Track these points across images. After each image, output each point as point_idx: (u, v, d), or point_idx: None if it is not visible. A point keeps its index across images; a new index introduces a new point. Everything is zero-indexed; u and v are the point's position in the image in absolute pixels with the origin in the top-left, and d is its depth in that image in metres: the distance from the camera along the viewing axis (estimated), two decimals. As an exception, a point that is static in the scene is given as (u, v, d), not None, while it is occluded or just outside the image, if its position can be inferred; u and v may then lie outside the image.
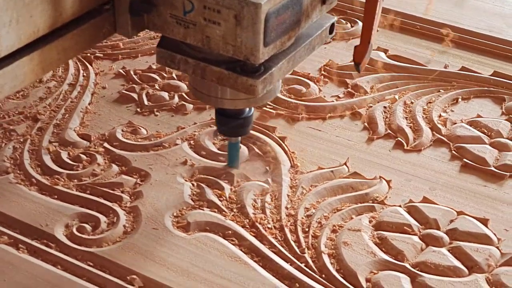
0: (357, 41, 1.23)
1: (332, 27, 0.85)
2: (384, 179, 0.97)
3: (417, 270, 0.84)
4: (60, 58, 0.71)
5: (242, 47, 0.70)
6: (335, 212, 0.92)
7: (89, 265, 0.83)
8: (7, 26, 0.64)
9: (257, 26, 0.69)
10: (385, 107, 1.11)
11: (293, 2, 0.73)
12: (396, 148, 1.03)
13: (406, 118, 1.08)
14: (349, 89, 1.14)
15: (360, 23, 1.30)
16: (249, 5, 0.68)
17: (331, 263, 0.85)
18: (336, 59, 1.22)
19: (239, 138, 0.93)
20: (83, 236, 0.87)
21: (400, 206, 0.93)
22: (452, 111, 1.10)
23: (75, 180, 0.95)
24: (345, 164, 0.99)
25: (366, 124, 1.07)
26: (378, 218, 0.91)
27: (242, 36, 0.70)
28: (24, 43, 0.66)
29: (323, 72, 1.18)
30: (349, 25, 1.31)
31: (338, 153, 1.02)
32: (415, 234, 0.89)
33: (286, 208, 0.92)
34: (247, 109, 0.88)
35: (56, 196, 0.92)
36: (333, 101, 1.12)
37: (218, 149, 1.01)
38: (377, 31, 0.84)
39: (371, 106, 1.11)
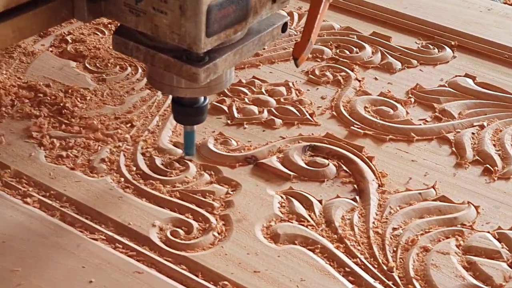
0: (444, 67, 1.25)
1: (285, 26, 0.88)
2: (473, 204, 0.97)
3: (506, 296, 0.85)
4: (15, 36, 0.75)
5: (186, 36, 0.75)
6: (423, 234, 0.92)
7: (182, 268, 0.86)
8: None
9: (199, 17, 0.73)
10: (473, 133, 1.11)
11: None
12: (484, 175, 1.04)
13: (494, 145, 1.09)
14: (436, 113, 1.15)
15: (448, 49, 1.31)
16: None
17: (420, 284, 0.86)
18: (424, 83, 1.23)
19: (194, 126, 0.97)
20: (177, 240, 0.89)
21: (488, 232, 0.93)
22: (540, 140, 1.11)
23: (168, 186, 0.98)
24: (433, 187, 1.00)
25: (453, 149, 1.08)
26: (466, 242, 0.91)
27: (186, 26, 0.74)
28: None
29: (410, 95, 1.19)
30: (436, 50, 1.32)
31: (425, 176, 1.03)
32: (505, 261, 0.89)
33: (374, 226, 0.93)
34: (202, 98, 0.92)
35: (151, 200, 0.95)
36: (420, 124, 1.13)
37: (306, 164, 1.03)
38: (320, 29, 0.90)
39: (459, 132, 1.11)
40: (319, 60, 1.27)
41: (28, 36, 0.78)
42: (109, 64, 1.22)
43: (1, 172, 0.97)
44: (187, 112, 0.93)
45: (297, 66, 0.92)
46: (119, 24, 0.83)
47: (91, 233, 0.89)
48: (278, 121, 1.12)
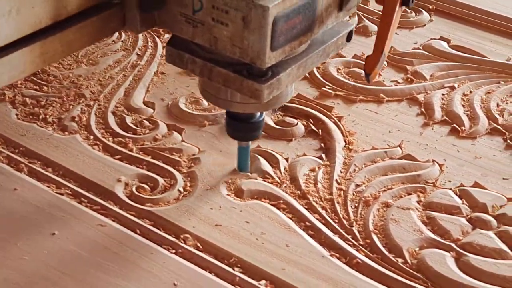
0: (420, 30, 1.26)
1: (350, 35, 0.82)
2: (437, 162, 0.98)
3: (463, 250, 0.86)
4: (64, 50, 0.70)
5: (248, 50, 0.69)
6: (385, 190, 0.94)
7: (145, 222, 0.87)
8: (6, 16, 0.63)
9: (264, 30, 0.67)
10: (443, 94, 1.12)
11: (306, 7, 0.70)
12: (451, 134, 1.05)
13: (463, 106, 1.09)
14: (408, 75, 1.16)
15: (425, 13, 1.31)
16: (257, 7, 0.66)
17: (378, 237, 0.87)
18: (398, 46, 1.23)
19: (249, 142, 0.92)
20: (142, 195, 0.91)
21: (450, 189, 0.94)
22: (511, 102, 1.11)
23: (137, 144, 0.99)
24: (399, 146, 1.01)
25: (422, 109, 1.09)
26: (427, 198, 0.93)
27: (249, 39, 0.68)
28: (24, 34, 0.65)
29: (384, 57, 1.20)
30: (413, 14, 1.33)
31: (393, 136, 1.04)
32: (464, 216, 0.90)
33: (338, 183, 0.94)
34: (258, 113, 0.86)
35: (118, 157, 0.96)
36: (391, 86, 1.14)
37: (275, 123, 1.04)
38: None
39: (429, 93, 1.12)
40: (295, 23, 1.28)
41: (76, 50, 0.73)
42: (86, 26, 1.23)
43: (-28, 130, 0.99)
44: (243, 127, 0.87)
45: (368, 81, 0.84)
46: (172, 35, 0.77)
47: (57, 187, 0.91)
48: (251, 82, 1.12)
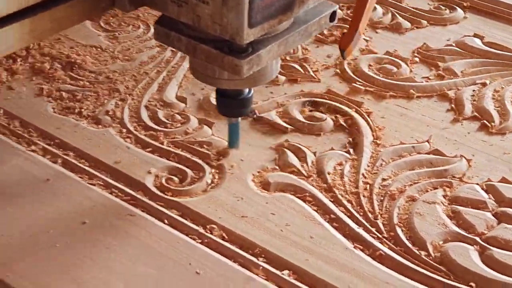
0: (454, 28, 1.26)
1: (333, 15, 0.84)
2: (465, 157, 0.99)
3: (487, 244, 0.86)
4: (53, 27, 0.73)
5: (228, 27, 0.72)
6: (411, 185, 0.94)
7: (173, 212, 0.89)
8: None
9: (241, 7, 0.70)
10: (474, 90, 1.12)
11: None
12: (480, 130, 1.05)
13: (494, 102, 1.09)
14: (440, 72, 1.16)
15: (459, 10, 1.31)
16: None
17: (402, 231, 0.88)
18: (431, 43, 1.23)
19: (239, 118, 0.94)
20: (170, 186, 0.93)
21: (477, 184, 0.94)
22: (543, 99, 1.11)
23: (168, 137, 1.01)
24: (427, 141, 1.02)
25: (453, 105, 1.09)
26: (454, 193, 0.93)
27: (228, 16, 0.71)
28: (13, 10, 0.68)
29: (416, 54, 1.21)
30: (447, 11, 1.32)
31: (422, 131, 1.04)
32: (490, 211, 0.90)
33: (364, 177, 0.95)
34: (246, 90, 0.89)
35: (150, 149, 0.99)
36: (422, 82, 1.14)
37: (304, 118, 1.05)
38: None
39: (460, 89, 1.12)
40: (328, 20, 1.29)
41: (67, 27, 0.76)
42: (123, 23, 1.26)
43: (10, 122, 1.02)
44: (231, 104, 0.90)
45: (343, 58, 0.88)
46: (161, 14, 0.81)
47: (90, 178, 0.94)
48: (282, 78, 1.14)
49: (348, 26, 0.87)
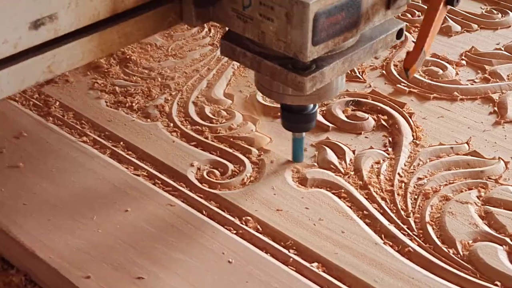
0: (505, 32, 1.26)
1: (400, 32, 0.84)
2: (503, 160, 0.99)
3: (517, 245, 0.87)
4: (121, 41, 0.75)
5: (291, 45, 0.72)
6: (446, 185, 0.96)
7: (211, 204, 0.93)
8: (66, 8, 0.69)
9: (305, 25, 0.70)
10: (518, 94, 1.12)
11: (349, 5, 0.73)
12: (522, 134, 1.05)
13: (539, 106, 1.10)
14: (485, 75, 1.17)
15: (511, 14, 1.31)
16: (298, 4, 0.70)
17: (433, 229, 0.89)
18: (480, 46, 1.24)
19: (303, 133, 0.96)
20: (211, 179, 0.97)
21: (513, 186, 0.95)
22: None
23: (213, 132, 1.05)
24: (466, 143, 1.03)
25: (495, 108, 1.10)
26: (488, 194, 0.94)
27: (292, 34, 0.72)
28: (83, 25, 0.71)
29: (463, 57, 1.21)
30: (499, 15, 1.33)
31: (462, 133, 1.05)
32: (522, 213, 0.91)
33: (400, 175, 0.97)
34: (311, 105, 0.90)
35: (194, 143, 1.03)
36: (467, 85, 1.15)
37: (347, 117, 1.08)
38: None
39: (504, 93, 1.13)
40: (378, 22, 1.31)
41: (133, 42, 0.78)
42: (178, 23, 1.31)
43: (64, 114, 1.08)
44: (296, 119, 0.92)
45: (407, 77, 0.86)
46: (227, 29, 0.82)
47: (135, 169, 0.98)
48: (328, 78, 1.16)
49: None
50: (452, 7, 0.85)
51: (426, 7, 0.85)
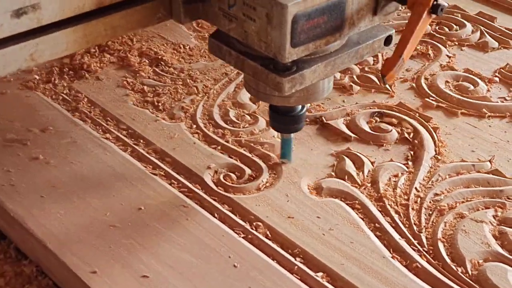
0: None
1: (388, 39, 0.84)
2: (524, 180, 0.98)
3: (528, 268, 0.85)
4: (107, 34, 0.76)
5: (271, 45, 0.73)
6: (463, 202, 0.94)
7: (224, 207, 0.93)
8: None
9: (284, 27, 0.71)
10: (549, 115, 1.10)
11: (331, 8, 0.73)
12: (548, 155, 1.03)
13: None
14: (517, 93, 1.15)
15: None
16: (277, 5, 0.70)
17: (444, 246, 0.88)
18: (516, 63, 1.22)
19: (292, 134, 0.96)
20: (227, 183, 0.97)
21: (532, 207, 0.94)
22: None
23: (234, 136, 1.06)
24: (489, 161, 1.01)
25: (524, 127, 1.08)
26: (505, 214, 0.92)
27: (271, 35, 0.73)
28: (67, 16, 0.71)
29: (497, 74, 1.20)
30: (539, 33, 1.30)
31: (486, 151, 1.04)
32: (538, 236, 0.89)
33: (417, 190, 0.96)
34: (299, 106, 0.90)
35: (214, 146, 1.03)
36: (497, 102, 1.13)
37: (370, 128, 1.07)
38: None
39: (535, 112, 1.11)
40: (414, 34, 1.29)
41: (120, 35, 0.81)
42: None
43: (91, 110, 1.09)
44: (283, 120, 0.92)
45: (384, 83, 0.86)
46: (216, 28, 0.83)
47: (153, 168, 0.99)
48: (356, 88, 1.16)
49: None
50: (438, 17, 0.83)
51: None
